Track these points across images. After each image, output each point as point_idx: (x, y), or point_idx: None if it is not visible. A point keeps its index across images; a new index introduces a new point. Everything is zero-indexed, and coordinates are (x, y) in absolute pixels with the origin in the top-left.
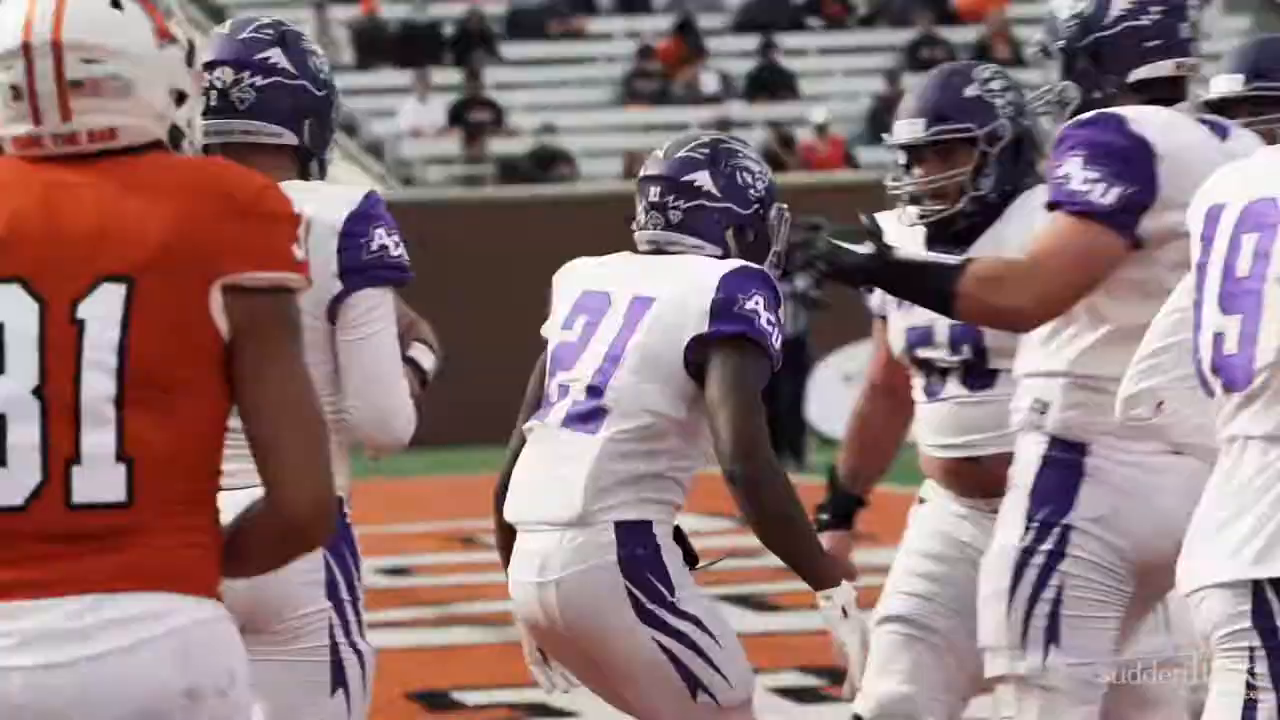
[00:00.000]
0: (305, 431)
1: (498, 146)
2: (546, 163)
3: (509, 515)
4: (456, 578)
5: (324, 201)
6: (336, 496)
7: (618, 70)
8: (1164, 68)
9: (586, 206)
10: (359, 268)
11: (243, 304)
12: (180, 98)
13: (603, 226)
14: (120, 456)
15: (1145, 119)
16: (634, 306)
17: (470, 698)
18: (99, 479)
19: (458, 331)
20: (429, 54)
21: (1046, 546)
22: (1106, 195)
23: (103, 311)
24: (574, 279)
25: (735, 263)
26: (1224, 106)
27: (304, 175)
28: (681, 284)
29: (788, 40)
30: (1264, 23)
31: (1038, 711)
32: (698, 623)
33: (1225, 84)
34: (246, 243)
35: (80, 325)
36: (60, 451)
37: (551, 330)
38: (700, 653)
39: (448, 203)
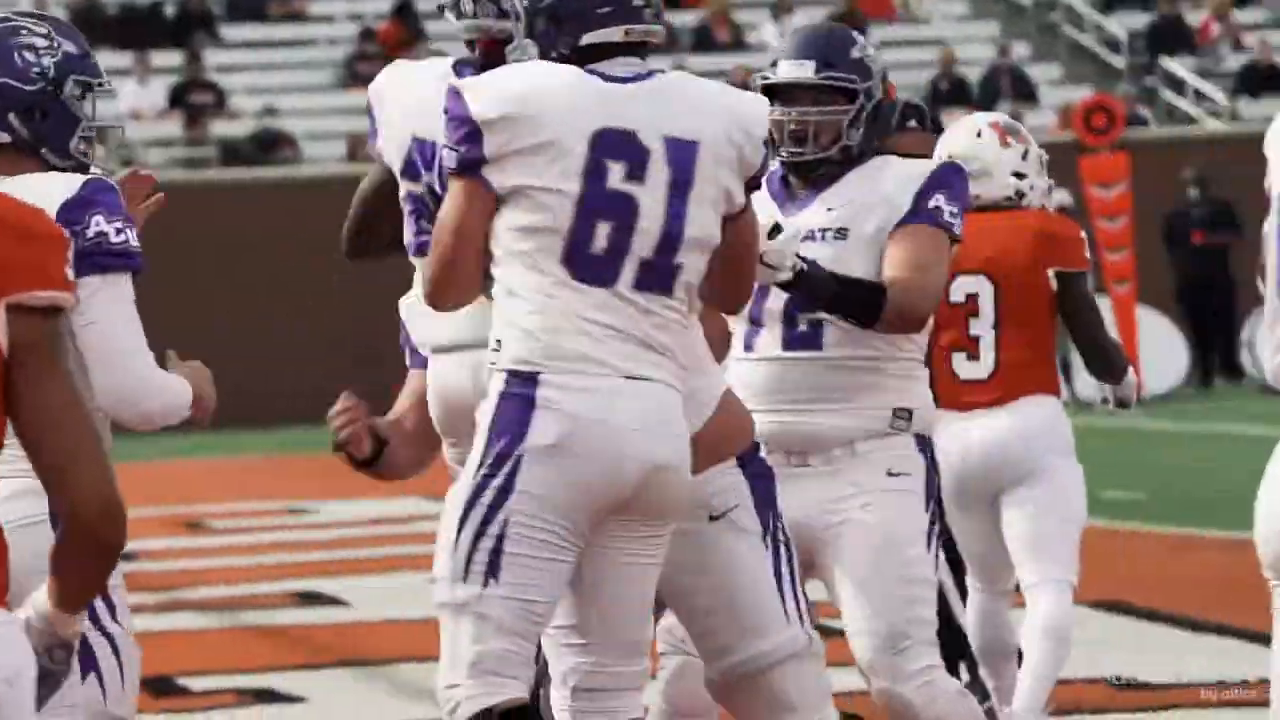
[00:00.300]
0: (82, 435)
1: (220, 129)
2: (268, 145)
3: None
4: (182, 563)
5: (37, 193)
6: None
7: (339, 53)
8: (614, 34)
9: (309, 189)
10: (75, 255)
11: (21, 322)
12: None
13: (325, 210)
14: None
15: (479, 87)
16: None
17: (196, 683)
18: None
19: (183, 316)
20: (149, 36)
21: (498, 481)
22: (452, 159)
23: None
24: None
25: None
26: (785, 90)
27: (49, 168)
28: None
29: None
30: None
31: (469, 637)
32: None
33: (793, 69)
34: (26, 263)
35: None
36: None
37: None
38: None
39: (169, 186)
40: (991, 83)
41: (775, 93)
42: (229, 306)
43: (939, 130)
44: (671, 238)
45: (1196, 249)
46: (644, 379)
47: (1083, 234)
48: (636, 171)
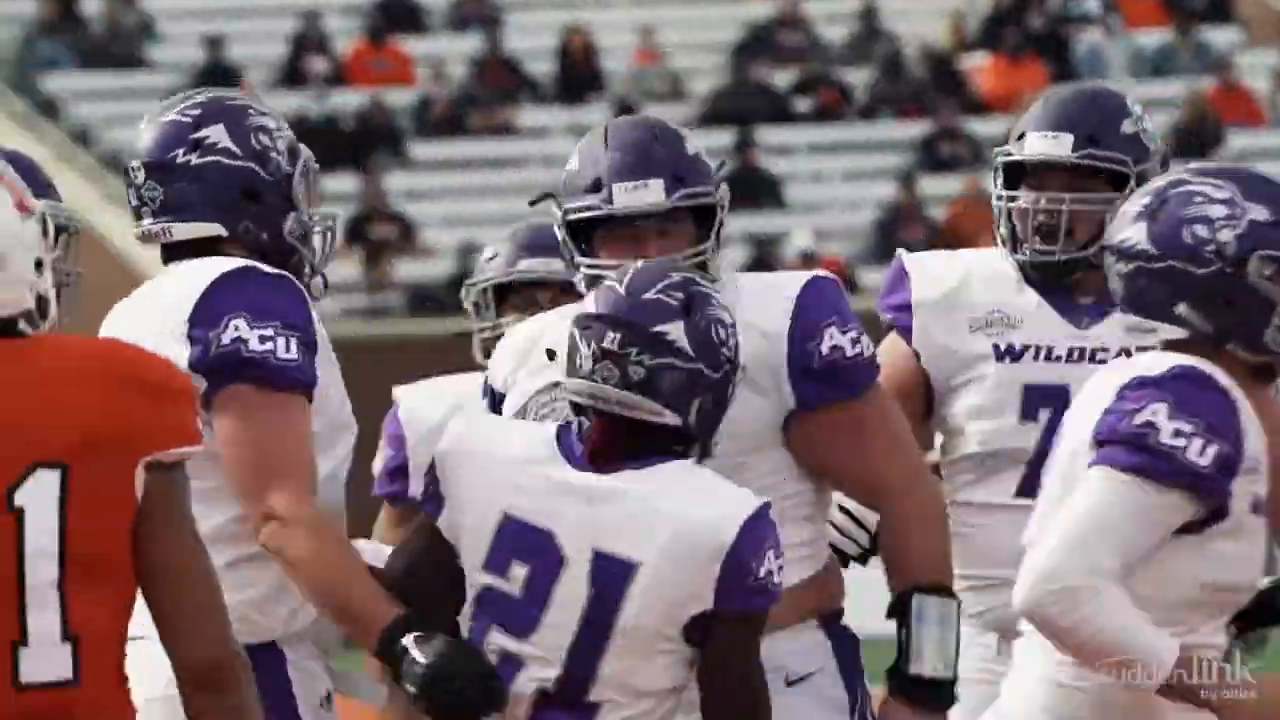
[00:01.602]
0: (197, 592)
1: (407, 270)
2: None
3: None
4: None
5: None
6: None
7: (556, 175)
8: None
9: None
10: None
11: (154, 476)
12: (39, 266)
13: None
14: (65, 636)
15: None
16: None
17: None
18: (45, 659)
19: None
20: (320, 154)
21: None
22: None
23: (39, 497)
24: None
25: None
26: (1034, 170)
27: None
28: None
29: (769, 135)
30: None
31: None
32: None
33: (1044, 144)
34: (164, 422)
35: (19, 512)
36: (6, 634)
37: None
38: None
39: (344, 341)
40: None
41: (1022, 173)
42: None
43: None
44: None
45: None
46: None
47: None
48: None
